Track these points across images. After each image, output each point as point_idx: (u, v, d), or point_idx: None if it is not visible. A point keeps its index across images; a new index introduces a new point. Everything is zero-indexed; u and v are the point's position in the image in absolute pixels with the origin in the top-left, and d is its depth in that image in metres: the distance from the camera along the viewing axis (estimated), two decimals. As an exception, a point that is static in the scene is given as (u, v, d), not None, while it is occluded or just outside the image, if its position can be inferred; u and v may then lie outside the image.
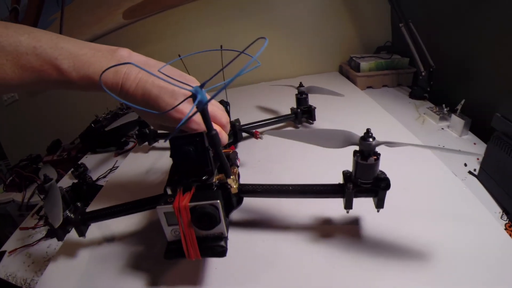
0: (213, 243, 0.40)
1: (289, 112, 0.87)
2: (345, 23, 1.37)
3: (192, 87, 0.32)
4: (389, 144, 0.40)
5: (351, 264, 0.44)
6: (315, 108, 0.85)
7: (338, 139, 0.44)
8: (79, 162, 0.70)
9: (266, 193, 0.49)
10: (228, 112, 0.71)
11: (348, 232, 0.49)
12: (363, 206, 0.47)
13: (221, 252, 0.40)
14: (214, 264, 0.47)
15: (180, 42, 1.41)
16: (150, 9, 1.33)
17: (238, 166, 0.52)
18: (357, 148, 0.42)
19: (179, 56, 0.47)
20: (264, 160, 0.72)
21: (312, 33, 1.40)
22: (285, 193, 0.48)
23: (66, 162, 1.10)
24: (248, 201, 0.51)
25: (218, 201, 0.38)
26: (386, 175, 0.43)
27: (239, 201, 0.48)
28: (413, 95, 1.04)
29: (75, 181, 0.82)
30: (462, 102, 0.79)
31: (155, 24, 1.38)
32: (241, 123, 0.79)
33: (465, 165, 0.69)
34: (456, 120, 0.80)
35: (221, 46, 0.41)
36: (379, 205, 0.44)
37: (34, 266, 0.62)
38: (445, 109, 0.87)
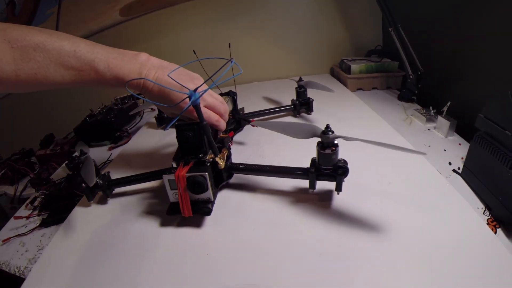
0: (202, 205, 0.54)
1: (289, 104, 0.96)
2: (337, 27, 1.40)
3: (189, 89, 0.45)
4: (345, 138, 0.49)
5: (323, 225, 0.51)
6: (313, 100, 0.93)
7: (305, 131, 0.54)
8: (74, 155, 0.72)
9: (248, 171, 0.62)
10: (235, 101, 0.85)
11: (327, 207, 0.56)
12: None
13: (207, 212, 0.53)
14: (206, 220, 0.57)
15: (179, 39, 1.43)
16: (147, 7, 1.34)
17: (229, 149, 0.66)
18: (319, 139, 0.51)
19: (194, 52, 0.64)
20: (257, 144, 0.81)
21: (305, 36, 1.43)
22: (263, 171, 0.61)
23: (59, 156, 1.10)
24: (246, 178, 0.66)
25: (207, 173, 0.51)
26: (346, 164, 0.52)
27: (229, 176, 0.64)
28: (401, 98, 1.08)
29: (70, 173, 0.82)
30: (448, 104, 0.82)
31: (152, 21, 1.39)
32: (246, 112, 0.93)
33: (450, 163, 0.72)
34: (442, 122, 0.83)
35: (193, 51, 0.49)
36: (338, 188, 0.53)
37: (28, 254, 0.63)
38: (432, 111, 0.90)
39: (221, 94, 0.88)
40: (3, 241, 0.67)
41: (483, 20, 0.83)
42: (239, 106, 0.89)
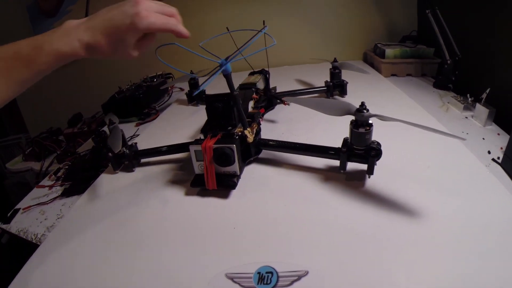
0: (227, 179, 0.53)
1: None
2: (371, 11, 1.36)
3: (220, 58, 0.46)
4: (380, 117, 0.46)
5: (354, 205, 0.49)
6: (347, 83, 0.91)
7: (339, 108, 0.51)
8: (101, 130, 0.74)
9: (278, 147, 0.61)
10: (267, 80, 0.85)
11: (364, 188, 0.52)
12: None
13: (232, 185, 0.53)
14: (232, 193, 0.55)
15: (211, 19, 1.43)
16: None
17: (259, 124, 0.64)
18: (353, 118, 0.49)
19: (227, 28, 0.60)
20: (290, 122, 0.80)
21: (338, 20, 1.40)
22: (293, 149, 0.59)
23: (86, 135, 1.12)
24: (275, 154, 0.64)
25: (234, 145, 0.50)
26: (380, 146, 0.49)
27: (257, 152, 0.61)
28: (437, 85, 1.03)
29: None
30: (487, 91, 0.77)
31: (184, 2, 1.37)
32: (279, 91, 0.92)
33: (489, 152, 0.68)
34: (481, 110, 0.78)
35: (227, 28, 0.53)
36: (369, 171, 0.51)
37: (46, 222, 0.63)
38: (470, 98, 0.86)
39: (253, 72, 0.87)
40: (23, 209, 0.67)
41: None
42: (272, 86, 0.88)
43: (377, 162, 0.51)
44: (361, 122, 0.48)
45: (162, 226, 0.49)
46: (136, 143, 0.68)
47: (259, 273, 0.39)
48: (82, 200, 0.60)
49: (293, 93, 0.90)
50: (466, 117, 0.83)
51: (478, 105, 0.79)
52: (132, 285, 0.40)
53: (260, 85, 0.81)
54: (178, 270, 0.41)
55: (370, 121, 0.48)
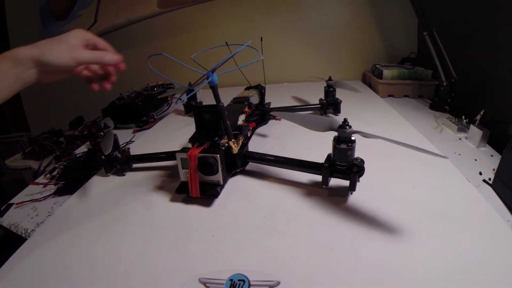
0: (210, 187, 0.54)
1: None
2: (372, 32, 1.38)
3: (207, 70, 0.47)
4: (363, 134, 0.47)
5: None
6: (341, 101, 0.92)
7: (322, 124, 0.52)
8: (99, 133, 0.76)
9: (262, 160, 0.61)
10: (262, 94, 0.87)
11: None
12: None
13: (215, 194, 0.54)
14: (215, 202, 0.56)
15: (211, 34, 1.46)
16: (184, 0, 1.37)
17: (247, 137, 0.66)
18: (336, 134, 0.49)
19: (226, 43, 0.63)
20: (280, 138, 0.81)
21: (337, 40, 1.42)
22: (277, 162, 0.60)
23: (86, 138, 1.13)
24: (262, 168, 0.64)
25: (218, 155, 0.51)
26: (363, 163, 0.50)
27: (244, 164, 0.62)
28: (433, 107, 1.03)
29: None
30: (482, 112, 0.77)
31: (187, 15, 1.43)
32: (274, 107, 0.94)
33: (480, 173, 0.68)
34: (475, 131, 0.78)
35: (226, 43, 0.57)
36: (351, 187, 0.50)
37: (37, 218, 0.64)
38: (464, 120, 0.86)
39: (250, 87, 0.89)
40: (16, 204, 0.69)
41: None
42: (267, 102, 0.90)
43: (362, 179, 0.51)
44: (343, 138, 0.48)
45: (144, 229, 0.50)
46: (129, 148, 0.69)
47: (231, 280, 0.39)
48: (72, 199, 0.61)
49: (286, 109, 0.92)
50: (460, 139, 0.83)
51: (472, 127, 0.79)
52: (107, 285, 0.40)
53: (254, 99, 0.82)
54: (154, 271, 0.41)
55: (353, 138, 0.49)
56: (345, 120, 0.49)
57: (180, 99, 0.75)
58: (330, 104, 0.92)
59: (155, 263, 0.43)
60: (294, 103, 1.08)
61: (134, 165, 0.69)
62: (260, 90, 0.85)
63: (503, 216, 0.54)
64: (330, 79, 0.92)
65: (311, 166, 0.55)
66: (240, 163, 0.61)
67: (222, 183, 0.54)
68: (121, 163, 0.66)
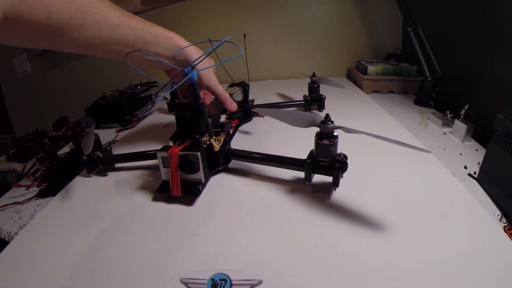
0: (192, 186, 0.53)
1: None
2: (356, 29, 1.38)
3: (186, 66, 0.47)
4: (345, 129, 0.46)
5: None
6: (325, 97, 0.91)
7: (304, 120, 0.51)
8: (82, 133, 0.75)
9: (244, 157, 0.61)
10: (246, 92, 0.86)
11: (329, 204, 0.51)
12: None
13: (196, 192, 0.53)
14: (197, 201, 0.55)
15: (196, 31, 1.44)
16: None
17: (230, 134, 0.67)
18: (318, 129, 0.49)
19: (209, 40, 0.59)
20: (265, 135, 0.80)
21: (322, 37, 1.42)
22: (259, 159, 0.59)
23: (69, 138, 1.11)
24: (246, 165, 0.64)
25: (199, 153, 0.51)
26: (346, 158, 0.49)
27: (226, 162, 0.61)
28: (418, 102, 1.04)
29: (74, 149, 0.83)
30: (466, 107, 0.78)
31: (171, 13, 1.41)
32: (258, 104, 0.94)
33: (465, 167, 0.68)
34: (459, 125, 0.79)
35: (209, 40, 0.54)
36: (334, 183, 0.50)
37: (20, 221, 0.63)
38: (449, 115, 0.86)
39: (233, 84, 0.88)
40: (-1, 207, 0.67)
41: (501, 23, 0.80)
42: (251, 98, 0.89)
43: (346, 175, 0.50)
44: (325, 134, 0.48)
45: (125, 229, 0.49)
46: (111, 148, 0.68)
47: (213, 279, 0.38)
48: (54, 201, 0.59)
49: (269, 106, 0.91)
50: (445, 133, 0.84)
51: (456, 121, 0.80)
52: (87, 285, 0.39)
53: (238, 97, 0.81)
54: (135, 272, 0.40)
55: (335, 133, 0.48)
56: (327, 116, 0.48)
57: (159, 96, 0.74)
58: (314, 100, 0.91)
59: (136, 263, 0.42)
60: (279, 100, 1.07)
61: (117, 165, 0.68)
62: (244, 87, 0.84)
63: (489, 210, 0.55)
64: (314, 75, 0.92)
65: (293, 162, 0.55)
66: (222, 160, 0.60)
67: (203, 182, 0.53)
68: (103, 163, 0.64)
